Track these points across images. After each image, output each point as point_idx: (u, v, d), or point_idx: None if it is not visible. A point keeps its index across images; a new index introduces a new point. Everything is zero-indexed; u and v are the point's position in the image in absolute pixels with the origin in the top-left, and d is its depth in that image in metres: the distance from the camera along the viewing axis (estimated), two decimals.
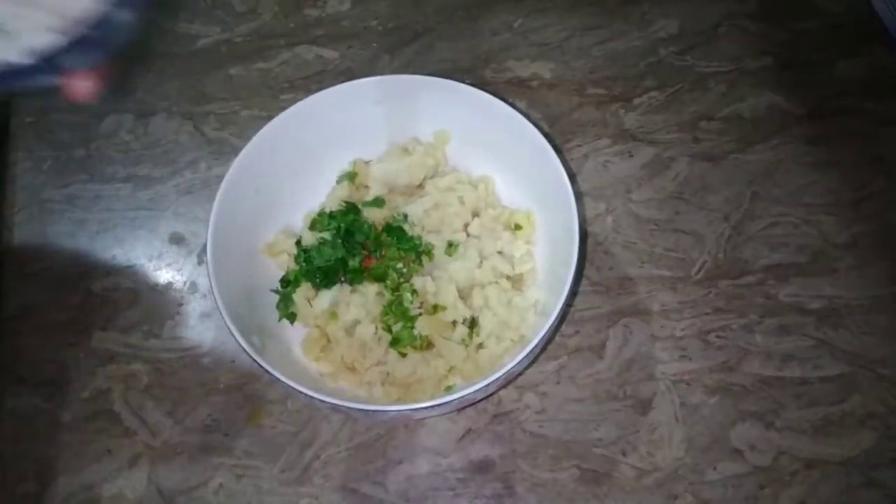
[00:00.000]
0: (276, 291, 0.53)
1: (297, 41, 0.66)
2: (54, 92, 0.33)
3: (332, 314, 0.51)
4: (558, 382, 0.52)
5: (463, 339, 0.50)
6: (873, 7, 0.66)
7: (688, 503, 0.48)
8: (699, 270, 0.56)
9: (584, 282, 0.56)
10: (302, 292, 0.51)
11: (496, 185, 0.56)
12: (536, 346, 0.45)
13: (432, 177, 0.56)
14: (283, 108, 0.52)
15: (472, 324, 0.51)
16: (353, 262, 0.52)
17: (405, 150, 0.56)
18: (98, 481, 0.50)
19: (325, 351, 0.51)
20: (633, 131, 0.62)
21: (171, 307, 0.56)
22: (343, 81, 0.53)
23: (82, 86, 0.33)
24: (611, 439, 0.50)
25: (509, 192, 0.56)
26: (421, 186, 0.56)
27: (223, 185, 0.49)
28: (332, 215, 0.54)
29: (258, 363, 0.44)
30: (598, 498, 0.49)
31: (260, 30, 0.67)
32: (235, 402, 0.52)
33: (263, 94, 0.64)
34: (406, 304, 0.50)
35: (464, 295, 0.51)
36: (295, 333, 0.52)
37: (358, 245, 0.53)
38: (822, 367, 0.52)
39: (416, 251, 0.53)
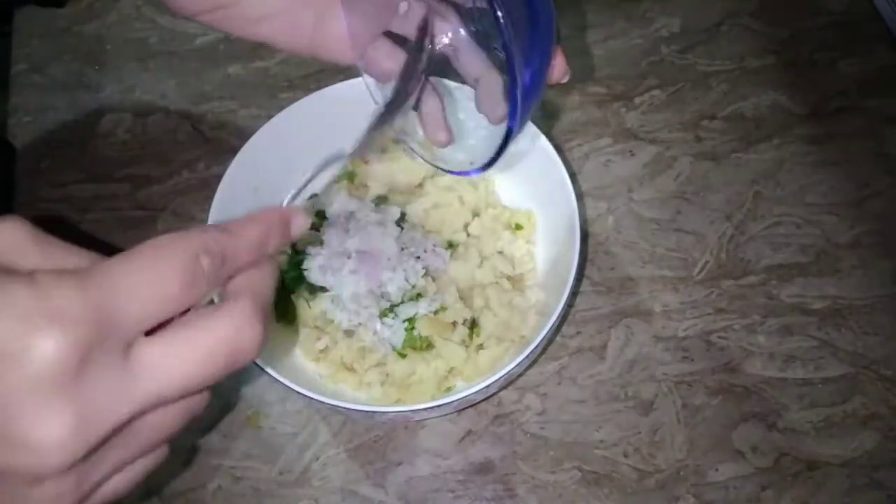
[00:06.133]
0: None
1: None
2: None
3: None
4: (559, 383, 0.52)
5: (463, 340, 0.50)
6: (875, 6, 0.66)
7: None
8: (701, 271, 0.56)
9: (585, 282, 0.55)
10: (300, 294, 0.51)
11: (496, 185, 0.56)
12: (537, 346, 0.44)
13: (432, 176, 0.55)
14: (282, 108, 0.52)
15: (473, 324, 0.50)
16: None
17: (405, 150, 0.55)
18: None
19: (324, 352, 0.50)
20: (634, 130, 0.61)
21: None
22: (342, 80, 0.53)
23: None
24: (612, 441, 0.50)
25: (509, 191, 0.56)
26: (421, 186, 0.55)
27: (221, 184, 0.49)
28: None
29: (256, 364, 0.43)
30: (600, 499, 0.48)
31: None
32: (234, 403, 0.52)
33: (262, 93, 0.64)
34: None
35: (464, 295, 0.51)
36: (293, 334, 0.52)
37: None
38: (825, 367, 0.52)
39: None
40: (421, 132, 0.41)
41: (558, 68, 0.37)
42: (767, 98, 0.62)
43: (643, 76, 0.64)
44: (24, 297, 0.21)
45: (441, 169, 0.42)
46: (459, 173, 0.40)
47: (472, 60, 0.38)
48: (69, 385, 0.21)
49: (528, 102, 0.33)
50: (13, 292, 0.21)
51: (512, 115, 0.33)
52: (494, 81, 0.37)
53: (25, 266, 0.23)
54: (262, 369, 0.43)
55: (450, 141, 0.41)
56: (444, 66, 0.39)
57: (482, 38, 0.37)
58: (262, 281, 0.27)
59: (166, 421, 0.25)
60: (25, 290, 0.21)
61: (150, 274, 0.23)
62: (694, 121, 0.62)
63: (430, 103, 0.40)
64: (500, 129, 0.35)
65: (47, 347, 0.20)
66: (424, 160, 0.42)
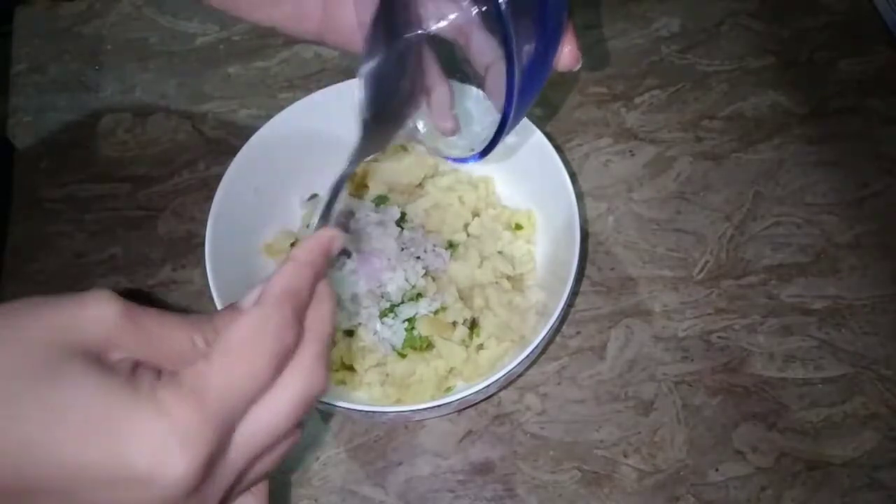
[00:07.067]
0: None
1: (296, 40, 0.66)
2: None
3: None
4: (559, 383, 0.52)
5: (463, 340, 0.50)
6: (875, 5, 0.66)
7: None
8: (701, 270, 0.56)
9: (584, 282, 0.55)
10: None
11: (496, 185, 0.56)
12: (537, 347, 0.44)
13: (432, 176, 0.55)
14: (282, 108, 0.52)
15: (473, 325, 0.50)
16: None
17: (405, 150, 0.55)
18: None
19: None
20: (634, 130, 0.61)
21: (169, 308, 0.55)
22: (342, 80, 0.53)
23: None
24: (612, 441, 0.50)
25: (509, 191, 0.56)
26: (421, 186, 0.55)
27: (221, 184, 0.49)
28: None
29: None
30: (600, 499, 0.48)
31: (258, 28, 0.66)
32: None
33: (262, 93, 0.64)
34: None
35: (464, 295, 0.51)
36: None
37: None
38: (825, 367, 0.52)
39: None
40: (427, 118, 0.41)
41: (568, 55, 0.35)
42: (767, 98, 0.62)
43: (643, 76, 0.64)
44: (152, 422, 0.23)
45: (440, 155, 0.41)
46: (458, 160, 0.40)
47: (482, 47, 0.37)
48: (195, 493, 0.23)
49: (527, 87, 0.32)
50: (142, 417, 0.23)
51: (508, 99, 0.32)
52: (503, 69, 0.36)
53: (124, 353, 0.24)
54: None
55: (456, 130, 0.40)
56: (453, 54, 0.39)
57: (493, 24, 0.36)
58: (324, 321, 0.28)
59: (266, 465, 0.27)
60: (153, 415, 0.23)
61: (248, 372, 0.25)
62: (694, 121, 0.62)
63: (439, 91, 0.39)
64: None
65: (179, 470, 0.22)
66: (425, 145, 0.42)
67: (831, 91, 0.63)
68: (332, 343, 0.29)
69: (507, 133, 0.34)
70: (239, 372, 0.24)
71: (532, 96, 0.34)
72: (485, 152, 0.37)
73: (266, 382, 0.25)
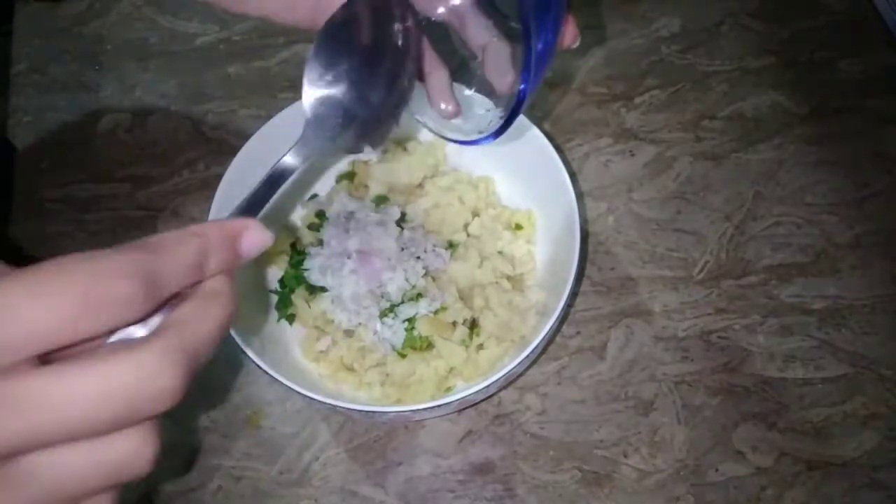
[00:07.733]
0: (275, 292, 0.52)
1: (296, 39, 0.66)
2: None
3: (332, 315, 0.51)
4: (559, 383, 0.52)
5: (463, 340, 0.50)
6: (875, 5, 0.66)
7: None
8: (701, 270, 0.56)
9: (585, 282, 0.55)
10: (300, 293, 0.51)
11: (496, 185, 0.56)
12: (537, 346, 0.44)
13: (432, 176, 0.55)
14: (282, 108, 0.52)
15: (473, 324, 0.50)
16: None
17: (405, 150, 0.55)
18: None
19: (324, 352, 0.50)
20: (634, 130, 0.61)
21: None
22: None
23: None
24: (612, 441, 0.50)
25: (509, 191, 0.56)
26: (421, 186, 0.55)
27: (221, 184, 0.49)
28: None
29: (257, 364, 0.43)
30: (600, 499, 0.48)
31: (259, 28, 0.67)
32: (234, 403, 0.52)
33: (262, 93, 0.64)
34: None
35: (464, 295, 0.51)
36: (294, 334, 0.52)
37: None
38: (825, 367, 0.52)
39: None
40: (428, 103, 0.40)
41: (569, 34, 0.37)
42: (767, 98, 0.62)
43: (643, 76, 0.64)
44: None
45: (449, 139, 0.41)
46: (470, 142, 0.40)
47: (478, 29, 0.38)
48: None
49: (540, 68, 0.34)
50: None
51: (524, 79, 0.33)
52: (501, 49, 0.37)
53: None
54: (263, 369, 0.43)
55: (457, 112, 0.40)
56: (444, 36, 0.39)
57: (486, 5, 0.37)
58: (198, 319, 0.22)
59: (65, 469, 0.20)
60: None
61: (43, 293, 0.20)
62: (694, 121, 0.62)
63: (436, 75, 0.39)
64: (508, 96, 0.35)
65: None
66: (432, 131, 0.42)
67: (831, 91, 0.63)
68: (204, 361, 0.23)
69: (524, 109, 0.35)
70: (29, 286, 0.20)
71: (542, 76, 0.35)
72: (499, 132, 0.37)
73: (65, 317, 0.20)
